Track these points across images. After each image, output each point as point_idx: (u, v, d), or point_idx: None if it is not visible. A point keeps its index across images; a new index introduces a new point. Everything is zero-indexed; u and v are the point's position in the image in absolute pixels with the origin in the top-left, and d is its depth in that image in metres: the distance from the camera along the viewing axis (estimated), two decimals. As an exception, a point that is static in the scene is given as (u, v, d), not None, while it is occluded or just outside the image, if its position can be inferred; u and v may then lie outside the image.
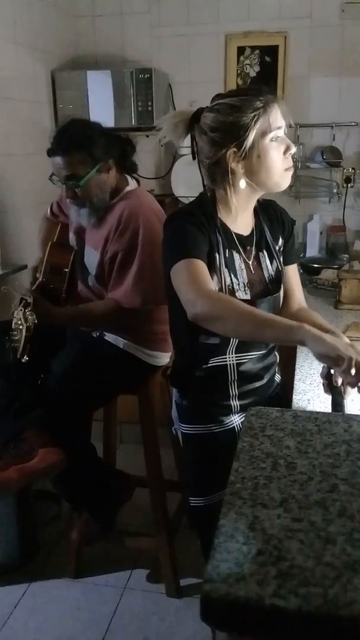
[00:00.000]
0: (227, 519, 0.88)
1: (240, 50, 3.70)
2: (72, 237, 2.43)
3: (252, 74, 3.72)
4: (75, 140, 2.12)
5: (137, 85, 3.44)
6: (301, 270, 3.37)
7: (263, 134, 1.62)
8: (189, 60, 3.79)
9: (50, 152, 2.15)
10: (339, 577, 0.75)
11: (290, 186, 3.77)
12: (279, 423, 1.16)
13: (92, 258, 2.31)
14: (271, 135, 1.63)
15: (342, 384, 1.53)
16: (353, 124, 3.66)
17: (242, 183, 1.69)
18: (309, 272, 3.36)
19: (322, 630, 0.71)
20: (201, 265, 1.60)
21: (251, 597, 0.73)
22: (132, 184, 2.31)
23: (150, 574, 2.67)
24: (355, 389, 1.52)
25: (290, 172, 1.72)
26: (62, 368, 2.22)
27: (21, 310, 2.04)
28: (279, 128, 1.64)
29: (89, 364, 2.25)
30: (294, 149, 1.68)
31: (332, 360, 1.33)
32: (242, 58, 3.71)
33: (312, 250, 3.81)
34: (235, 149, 1.63)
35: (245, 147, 1.62)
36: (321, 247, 3.83)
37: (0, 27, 3.02)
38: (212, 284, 1.61)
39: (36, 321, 2.00)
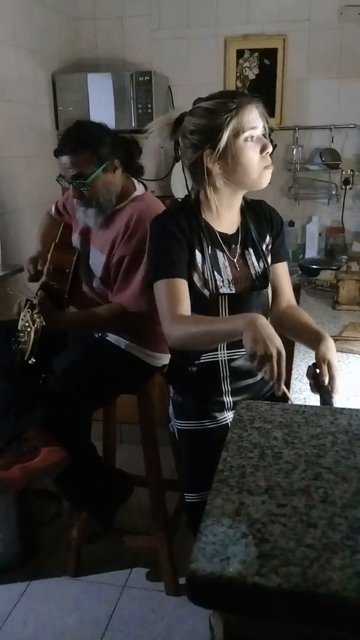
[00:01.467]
0: (214, 505, 0.90)
1: (240, 53, 3.72)
2: (76, 238, 2.45)
3: (252, 76, 3.75)
4: (82, 140, 2.15)
5: (137, 87, 3.47)
6: (300, 271, 3.40)
7: (236, 134, 1.67)
8: (189, 63, 3.82)
9: (57, 152, 2.18)
10: (318, 558, 0.77)
11: (289, 188, 3.80)
12: (267, 415, 1.18)
13: (97, 260, 2.33)
14: (245, 135, 1.68)
15: (329, 382, 1.58)
16: (351, 126, 3.69)
17: (220, 182, 1.74)
18: (307, 273, 3.38)
19: (301, 606, 0.73)
20: (177, 285, 1.70)
21: (234, 576, 0.75)
22: (139, 188, 2.33)
23: (150, 573, 2.69)
24: (338, 387, 1.60)
25: (269, 170, 1.75)
26: (64, 368, 2.23)
27: (28, 312, 2.06)
28: (253, 128, 1.68)
29: (90, 364, 2.26)
30: (270, 148, 1.72)
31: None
32: (241, 61, 3.73)
33: (311, 251, 3.83)
34: (210, 150, 1.69)
35: (219, 148, 1.67)
36: (320, 248, 3.85)
37: (1, 30, 3.05)
38: (186, 303, 1.70)
39: (44, 323, 2.02)
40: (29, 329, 2.03)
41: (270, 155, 1.73)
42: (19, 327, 2.09)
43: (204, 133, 1.68)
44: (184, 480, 2.01)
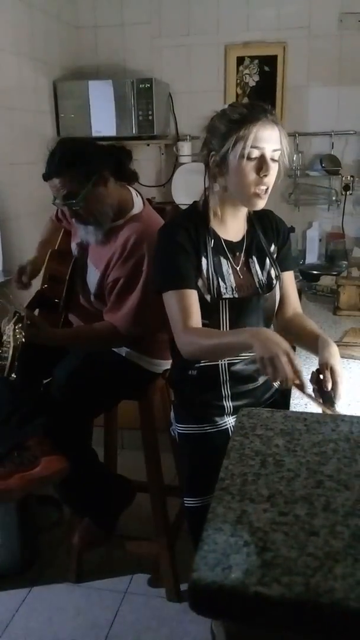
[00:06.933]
0: (216, 513, 0.91)
1: (240, 60, 3.74)
2: (74, 246, 2.42)
3: (252, 83, 3.76)
4: (66, 159, 2.11)
5: (138, 95, 3.48)
6: (300, 277, 3.40)
7: (237, 148, 1.63)
8: (189, 70, 3.84)
9: (45, 176, 2.14)
10: (320, 567, 0.78)
11: (290, 194, 3.81)
12: (269, 423, 1.19)
13: (93, 277, 2.31)
14: (246, 151, 1.63)
15: (332, 388, 1.58)
16: (351, 132, 3.70)
17: (221, 189, 1.74)
18: (308, 278, 3.39)
19: (304, 616, 0.73)
20: (187, 296, 1.72)
21: (236, 585, 0.76)
22: (137, 204, 2.26)
23: (151, 579, 2.68)
24: (341, 393, 1.60)
25: (262, 196, 1.71)
26: (65, 375, 2.22)
27: (12, 326, 2.00)
28: (256, 147, 1.63)
29: (91, 372, 2.25)
30: (269, 172, 1.66)
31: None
32: (241, 68, 3.75)
33: (311, 257, 3.84)
34: (215, 155, 1.69)
35: (218, 156, 1.68)
36: (320, 254, 3.86)
37: (3, 37, 3.07)
38: (197, 315, 1.73)
39: (24, 340, 1.96)
40: (8, 346, 1.96)
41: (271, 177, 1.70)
42: (2, 341, 2.03)
43: (214, 136, 1.69)
44: (184, 484, 2.02)
